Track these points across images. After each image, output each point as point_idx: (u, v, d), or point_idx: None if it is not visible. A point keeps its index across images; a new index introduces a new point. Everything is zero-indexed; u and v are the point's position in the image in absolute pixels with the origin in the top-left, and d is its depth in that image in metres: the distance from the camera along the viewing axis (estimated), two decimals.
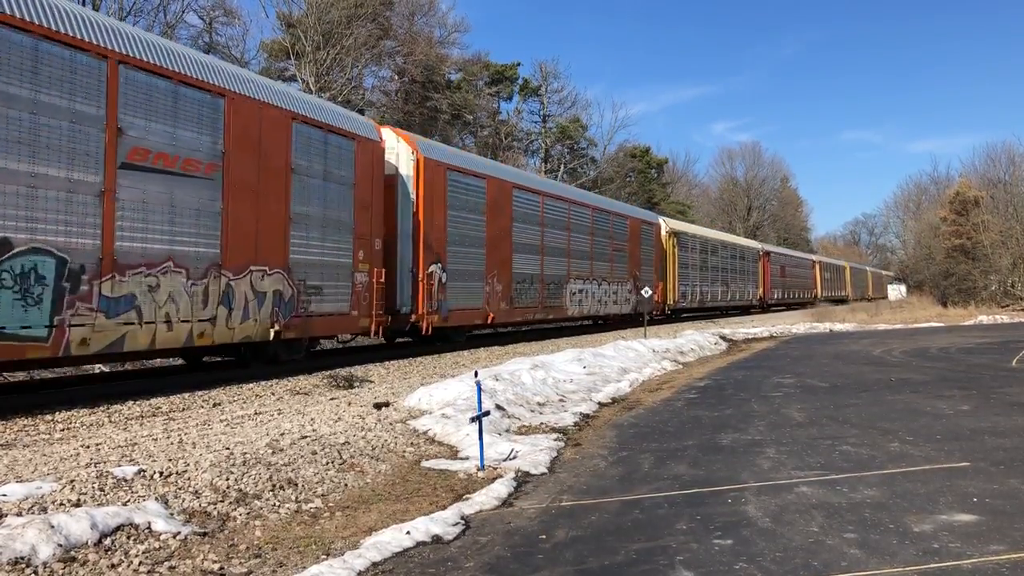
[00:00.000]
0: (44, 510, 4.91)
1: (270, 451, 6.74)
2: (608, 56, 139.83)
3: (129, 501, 5.23)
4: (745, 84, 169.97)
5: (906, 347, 20.80)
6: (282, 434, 7.55)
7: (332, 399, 10.31)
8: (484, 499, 5.89)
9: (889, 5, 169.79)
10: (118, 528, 4.73)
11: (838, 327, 32.82)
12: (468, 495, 6.03)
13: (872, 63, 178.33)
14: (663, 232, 34.82)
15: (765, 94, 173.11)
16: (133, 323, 10.11)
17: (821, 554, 4.65)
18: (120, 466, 5.97)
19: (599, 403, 10.89)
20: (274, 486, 5.93)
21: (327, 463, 6.69)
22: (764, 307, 50.96)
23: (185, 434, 7.64)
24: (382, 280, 15.51)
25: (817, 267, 67.22)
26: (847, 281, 78.72)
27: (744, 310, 48.57)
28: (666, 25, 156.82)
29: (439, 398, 9.66)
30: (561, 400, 10.83)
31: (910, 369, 15.21)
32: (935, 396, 11.26)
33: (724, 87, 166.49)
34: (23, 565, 4.17)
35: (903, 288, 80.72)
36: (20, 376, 12.02)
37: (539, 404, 10.33)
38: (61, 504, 5.04)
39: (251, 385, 11.65)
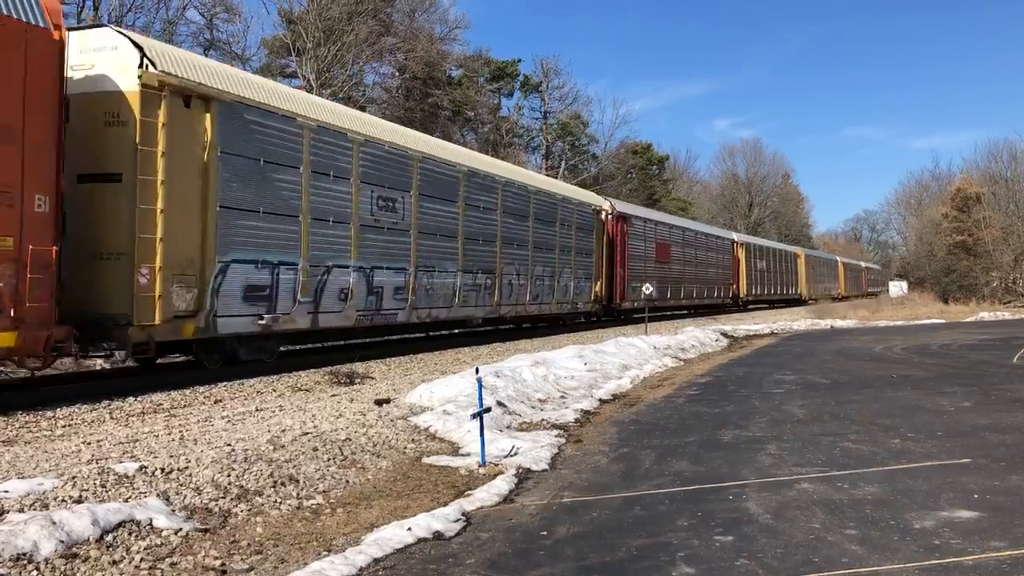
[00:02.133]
0: (46, 506, 4.91)
1: (271, 448, 6.75)
2: (611, 52, 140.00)
3: (131, 497, 5.24)
4: (747, 80, 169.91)
5: (907, 343, 20.79)
6: (283, 431, 7.55)
7: (333, 396, 10.31)
8: (485, 495, 5.89)
9: (891, 1, 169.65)
10: (120, 524, 4.73)
11: (839, 324, 32.83)
12: (469, 491, 6.03)
13: (875, 59, 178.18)
14: (131, 84, 10.29)
15: (767, 90, 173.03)
16: None
17: (822, 550, 4.65)
18: (121, 462, 5.97)
19: (600, 400, 10.89)
20: (275, 482, 5.93)
21: (328, 459, 6.69)
22: (615, 314, 29.08)
23: (186, 430, 7.64)
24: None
25: (741, 250, 45.02)
26: (800, 274, 59.02)
27: (569, 323, 25.66)
28: (669, 21, 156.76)
29: (440, 394, 9.66)
30: (562, 397, 10.83)
31: (911, 365, 15.20)
32: (936, 392, 11.25)
33: (727, 83, 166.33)
34: (25, 561, 4.18)
35: (904, 285, 79.95)
36: (22, 373, 12.01)
37: (540, 400, 10.34)
38: (63, 500, 5.05)
39: (252, 381, 11.65)
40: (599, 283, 27.01)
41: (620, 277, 28.42)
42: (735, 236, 46.66)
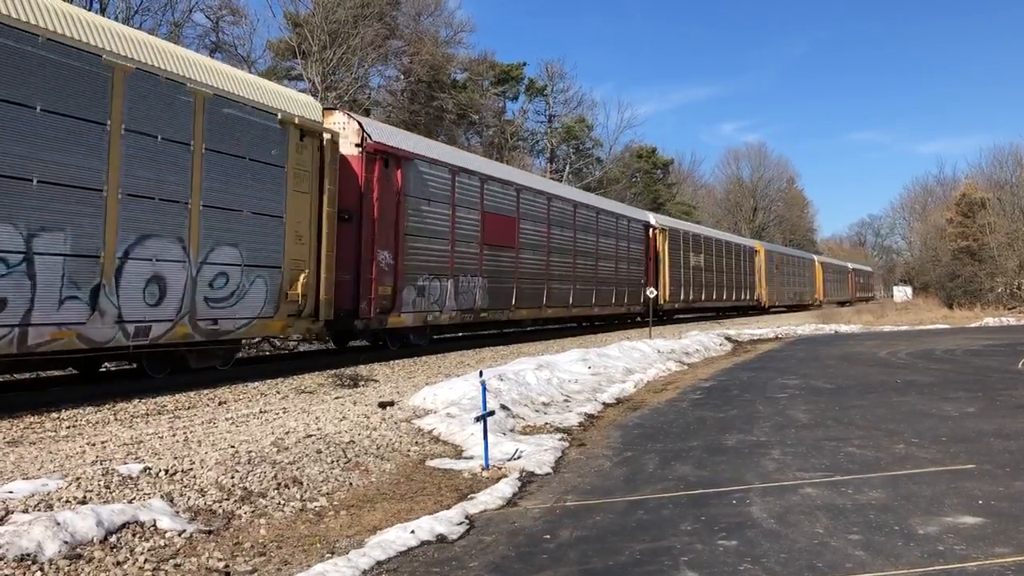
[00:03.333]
0: (50, 507, 4.92)
1: (275, 450, 6.75)
2: (617, 56, 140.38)
3: (135, 499, 5.25)
4: (754, 84, 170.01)
5: (912, 349, 20.74)
6: (287, 433, 7.56)
7: (337, 398, 10.32)
8: (488, 499, 5.89)
9: (898, 5, 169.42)
10: (124, 526, 4.74)
11: (843, 328, 32.76)
12: (473, 495, 6.03)
13: (880, 63, 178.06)
14: None
15: (773, 95, 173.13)
16: None
17: (826, 555, 4.64)
18: (126, 464, 5.98)
19: (604, 403, 10.88)
20: (279, 484, 5.94)
21: (332, 462, 6.70)
22: (374, 338, 16.80)
23: (191, 432, 7.65)
24: None
25: (662, 239, 32.98)
26: (759, 275, 47.59)
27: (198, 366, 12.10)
28: (675, 25, 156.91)
29: (444, 397, 9.66)
30: (566, 400, 10.82)
31: (916, 371, 15.17)
32: (941, 398, 11.23)
33: (733, 87, 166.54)
34: (29, 562, 4.19)
35: (909, 290, 79.27)
36: (27, 374, 12.04)
37: (544, 404, 10.33)
38: (67, 501, 5.06)
39: (256, 383, 11.67)
40: (307, 277, 13.17)
41: (380, 268, 15.11)
42: (652, 219, 33.42)
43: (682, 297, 34.62)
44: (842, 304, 65.52)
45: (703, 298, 37.69)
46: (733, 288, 42.82)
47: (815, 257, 65.77)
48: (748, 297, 45.59)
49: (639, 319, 31.54)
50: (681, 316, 37.48)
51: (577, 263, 25.25)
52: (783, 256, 54.75)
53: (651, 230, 32.45)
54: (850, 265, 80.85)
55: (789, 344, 24.09)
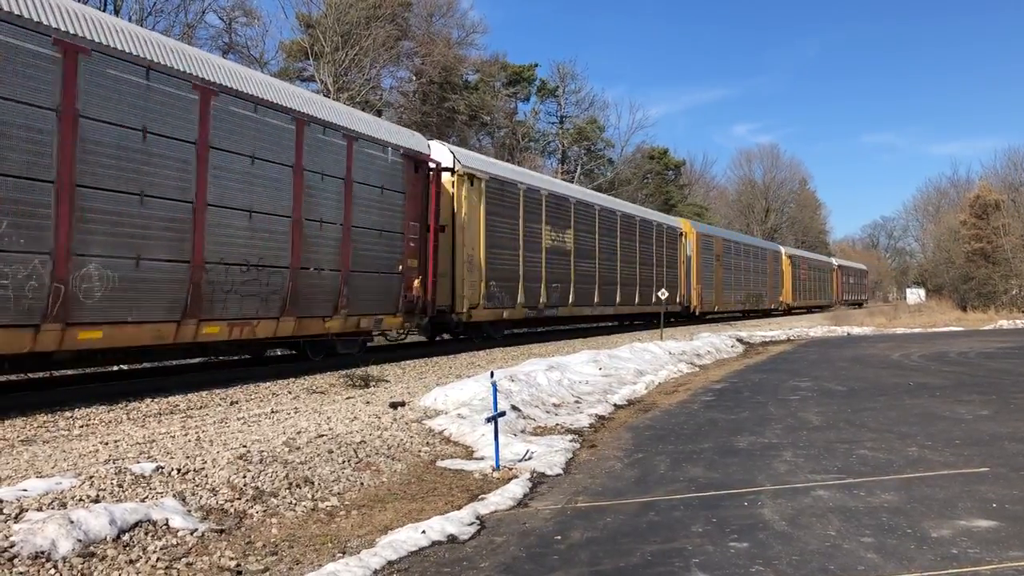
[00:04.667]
0: (64, 505, 4.95)
1: (287, 449, 6.77)
2: (629, 57, 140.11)
3: (147, 498, 5.27)
4: (767, 86, 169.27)
5: (925, 351, 20.62)
6: (299, 432, 7.59)
7: (348, 398, 10.35)
8: (499, 499, 5.89)
9: (912, 6, 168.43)
10: (136, 524, 4.76)
11: (856, 331, 32.62)
12: (483, 495, 6.03)
13: (893, 65, 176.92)
14: None
15: (786, 96, 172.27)
16: None
17: (838, 558, 4.62)
18: (138, 463, 6.01)
19: (615, 405, 10.87)
20: (291, 484, 5.95)
21: (343, 462, 6.71)
22: None
23: (203, 432, 7.69)
24: None
25: (466, 193, 17.80)
26: (691, 267, 34.62)
27: None
28: (689, 26, 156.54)
29: (455, 398, 9.67)
30: (577, 401, 10.81)
31: (929, 373, 15.08)
32: (954, 401, 11.16)
33: (746, 89, 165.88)
34: (43, 559, 4.21)
35: (922, 292, 78.45)
36: (41, 373, 12.13)
37: (554, 405, 10.33)
38: (80, 500, 5.08)
39: (268, 383, 11.71)
40: None
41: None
42: (443, 152, 17.83)
43: (520, 300, 20.70)
44: (816, 309, 56.22)
45: (573, 301, 23.68)
46: (637, 286, 28.62)
47: (782, 248, 52.99)
48: (667, 298, 28.59)
49: (404, 339, 18.60)
50: (518, 331, 22.87)
51: (150, 214, 10.18)
52: (727, 243, 40.11)
53: (440, 174, 16.97)
54: (835, 262, 68.58)
55: (801, 346, 24.01)
